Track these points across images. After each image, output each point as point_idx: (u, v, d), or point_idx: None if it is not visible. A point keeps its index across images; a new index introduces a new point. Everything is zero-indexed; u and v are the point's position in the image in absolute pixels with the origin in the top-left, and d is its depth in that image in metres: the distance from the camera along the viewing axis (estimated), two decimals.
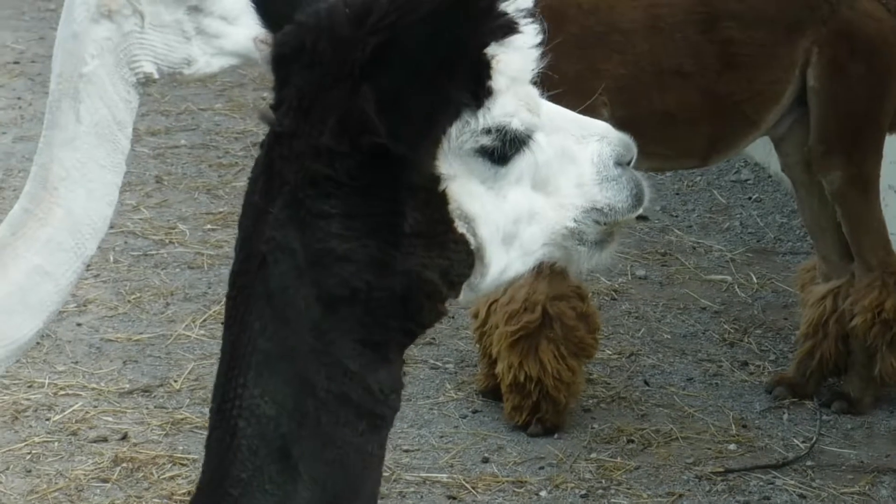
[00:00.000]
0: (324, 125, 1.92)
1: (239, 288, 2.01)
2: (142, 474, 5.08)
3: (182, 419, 5.39)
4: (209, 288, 6.19)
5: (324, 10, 2.01)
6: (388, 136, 1.87)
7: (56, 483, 5.12)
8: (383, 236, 1.95)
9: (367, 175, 1.93)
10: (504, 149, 2.01)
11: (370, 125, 1.87)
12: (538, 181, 2.12)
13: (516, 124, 2.00)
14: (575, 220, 2.14)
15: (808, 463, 5.28)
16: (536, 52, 2.05)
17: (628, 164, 2.16)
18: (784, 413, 5.58)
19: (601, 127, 2.19)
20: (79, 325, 5.88)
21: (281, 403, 1.97)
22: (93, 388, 5.54)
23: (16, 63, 8.69)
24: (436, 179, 1.97)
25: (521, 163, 2.06)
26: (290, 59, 2.01)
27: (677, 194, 7.26)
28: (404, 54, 1.90)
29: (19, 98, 8.07)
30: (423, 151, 1.94)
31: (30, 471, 5.19)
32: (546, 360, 5.25)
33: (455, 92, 1.92)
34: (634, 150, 2.20)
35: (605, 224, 2.18)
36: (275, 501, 1.96)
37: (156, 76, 3.25)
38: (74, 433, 5.31)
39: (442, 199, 1.99)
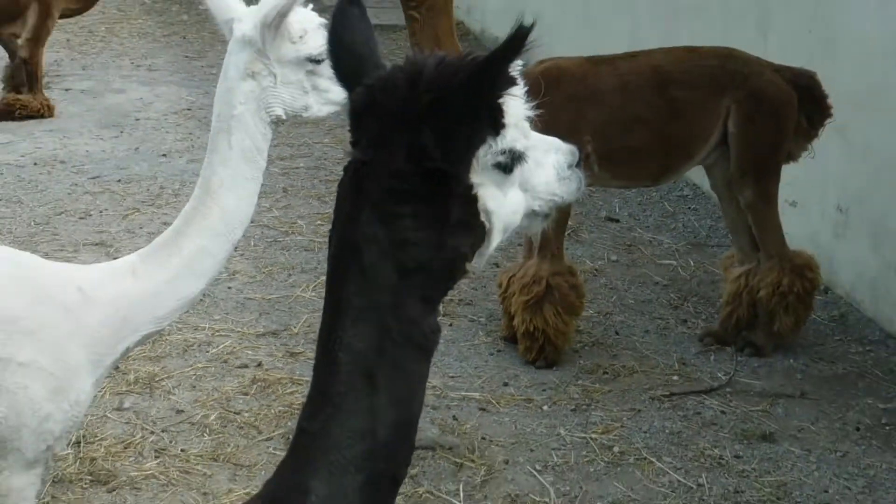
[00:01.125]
0: (397, 155, 1.93)
1: (337, 264, 2.02)
2: (271, 390, 5.18)
3: (299, 353, 5.50)
4: (318, 264, 6.12)
5: (385, 76, 2.03)
6: (441, 161, 1.92)
7: (212, 395, 5.11)
8: (438, 226, 1.97)
9: (426, 187, 1.95)
10: (511, 163, 2.05)
11: (429, 154, 1.91)
12: (523, 183, 2.12)
13: (519, 146, 2.04)
14: (539, 206, 2.19)
15: (728, 390, 5.38)
16: (528, 100, 2.07)
17: (576, 165, 2.17)
18: (711, 355, 5.71)
19: (557, 142, 2.20)
20: (229, 287, 6.02)
21: (368, 341, 1.96)
22: (238, 332, 5.68)
23: (188, 110, 8.64)
24: (470, 187, 2.00)
25: (518, 172, 2.08)
26: (362, 111, 2.01)
27: (639, 204, 7.26)
28: (448, 105, 1.91)
29: (190, 133, 8.06)
30: (463, 169, 1.97)
31: (194, 387, 5.22)
32: (548, 317, 5.41)
33: (482, 128, 1.96)
34: (578, 156, 2.20)
35: (552, 204, 2.21)
36: (363, 406, 1.96)
37: (283, 118, 3.30)
38: (225, 361, 5.43)
39: (473, 200, 2.02)
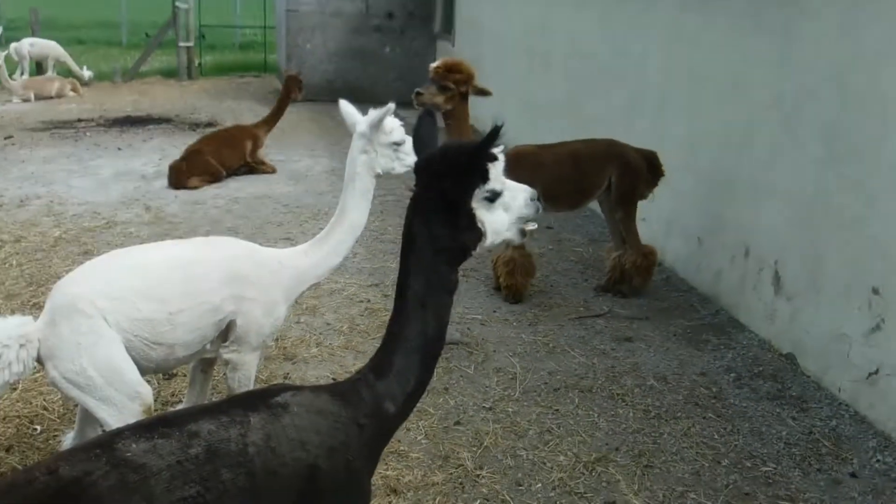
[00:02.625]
0: (434, 193, 1.94)
1: (404, 247, 1.99)
2: (375, 315, 5.11)
3: (389, 295, 5.24)
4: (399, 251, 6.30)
5: (430, 154, 2.02)
6: (453, 196, 1.95)
7: (345, 316, 5.03)
8: (453, 228, 1.97)
9: (447, 208, 1.95)
10: (493, 196, 2.01)
11: (448, 193, 1.93)
12: (505, 206, 2.05)
13: (498, 187, 2.01)
14: (516, 221, 2.09)
15: (608, 315, 5.33)
16: (503, 165, 2.02)
17: (536, 199, 2.09)
18: (602, 297, 5.64)
19: (524, 187, 2.10)
20: (353, 260, 5.93)
21: (422, 286, 1.95)
22: (357, 283, 5.62)
23: (332, 170, 8.66)
24: (471, 209, 1.98)
25: (500, 200, 2.03)
26: (421, 169, 2.00)
27: (564, 219, 7.21)
28: (458, 168, 1.93)
29: (334, 183, 8.05)
30: (466, 199, 1.97)
31: (336, 311, 5.11)
32: (517, 277, 5.40)
33: (475, 179, 1.96)
34: (536, 194, 2.11)
35: (521, 225, 2.12)
36: (420, 318, 1.96)
37: (381, 173, 3.20)
38: (351, 298, 5.34)
39: (473, 216, 1.99)
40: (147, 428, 1.71)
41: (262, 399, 1.87)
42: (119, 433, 1.70)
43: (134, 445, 1.64)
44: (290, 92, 8.90)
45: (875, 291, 4.12)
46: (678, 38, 6.22)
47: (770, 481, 3.55)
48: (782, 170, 4.92)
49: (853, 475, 3.63)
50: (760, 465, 3.68)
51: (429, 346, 2.02)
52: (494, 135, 1.93)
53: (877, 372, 4.07)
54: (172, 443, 1.67)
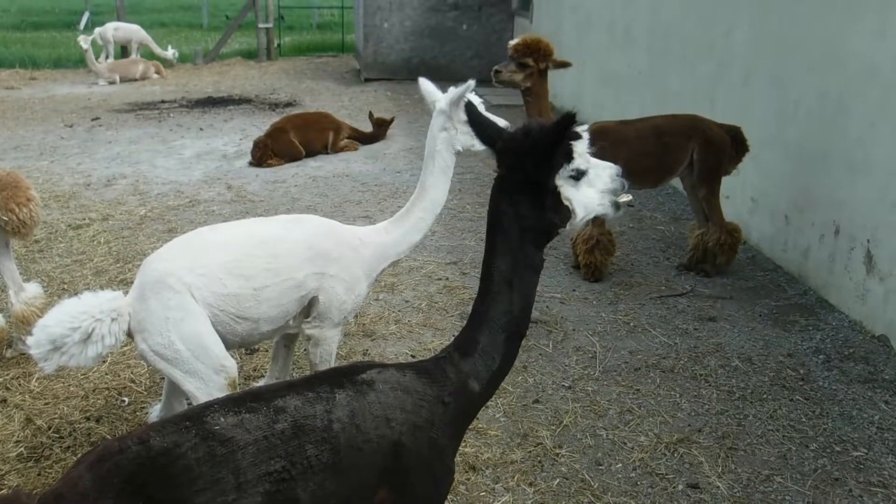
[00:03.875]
0: (519, 173, 1.93)
1: (491, 227, 1.98)
2: (453, 292, 5.12)
3: (467, 273, 5.40)
4: (477, 229, 6.14)
5: (512, 134, 1.99)
6: (537, 175, 1.93)
7: (423, 294, 5.06)
8: (539, 207, 1.95)
9: (533, 187, 1.94)
10: (578, 175, 1.99)
11: (538, 171, 1.93)
12: (591, 183, 2.03)
13: (583, 166, 1.99)
14: (602, 196, 2.05)
15: (691, 294, 5.22)
16: (587, 143, 2.00)
17: (620, 175, 2.07)
18: (682, 276, 5.52)
19: (609, 164, 2.08)
20: (431, 238, 5.94)
21: (508, 265, 1.95)
22: (436, 261, 5.62)
23: (410, 149, 8.70)
24: (556, 187, 1.97)
25: (584, 179, 2.00)
26: (504, 150, 1.97)
27: (646, 196, 7.08)
28: (540, 148, 1.90)
29: (411, 161, 8.11)
30: (552, 178, 1.95)
31: (414, 289, 5.14)
32: (597, 255, 5.33)
33: (561, 160, 1.94)
34: (620, 170, 2.10)
35: (613, 198, 2.08)
36: (506, 298, 1.95)
37: (461, 151, 3.17)
38: (429, 276, 5.36)
39: (558, 194, 1.97)
40: (236, 402, 1.75)
41: (347, 376, 1.90)
42: (209, 406, 1.75)
43: (222, 419, 1.69)
44: (378, 135, 9.31)
45: None
46: (767, 7, 5.97)
47: (861, 467, 3.43)
48: (878, 144, 4.69)
49: None
50: (851, 449, 3.55)
51: (514, 326, 2.01)
52: (571, 117, 1.91)
53: None
54: (260, 417, 1.71)
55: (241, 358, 4.24)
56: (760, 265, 5.78)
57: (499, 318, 1.99)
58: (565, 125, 1.91)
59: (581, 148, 2.00)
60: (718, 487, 3.27)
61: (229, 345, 3.00)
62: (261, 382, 3.72)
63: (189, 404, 3.08)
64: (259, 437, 1.69)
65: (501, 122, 3.31)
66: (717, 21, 6.75)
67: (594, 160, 2.06)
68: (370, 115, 9.56)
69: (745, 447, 3.56)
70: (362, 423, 1.81)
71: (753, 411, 3.85)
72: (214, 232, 3.12)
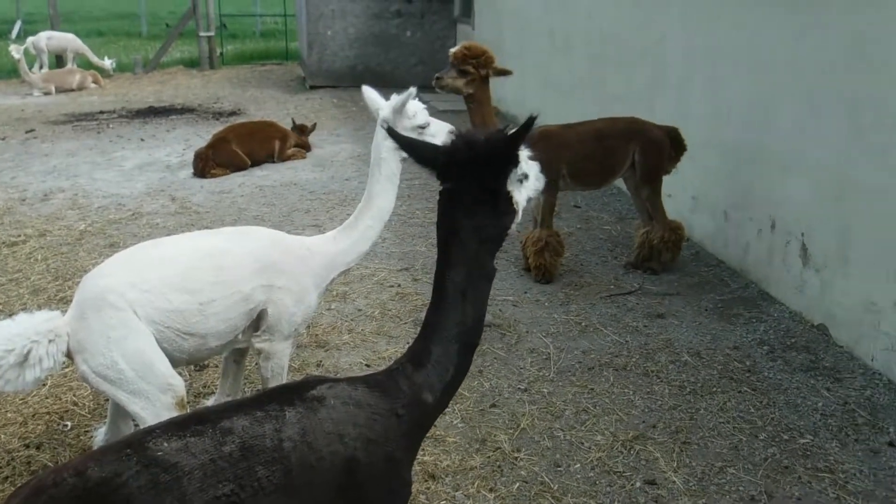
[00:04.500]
0: (473, 183, 1.88)
1: (446, 239, 1.93)
2: (406, 299, 5.05)
3: (419, 279, 5.34)
4: (426, 234, 6.05)
5: (454, 147, 1.92)
6: (501, 182, 1.91)
7: (376, 301, 4.97)
8: (496, 214, 1.92)
9: (489, 196, 1.90)
10: (524, 178, 1.96)
11: (489, 181, 1.89)
12: (526, 183, 1.99)
13: (528, 170, 1.97)
14: (533, 192, 2.02)
15: (639, 292, 5.25)
16: (530, 152, 1.98)
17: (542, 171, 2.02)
18: (632, 274, 5.54)
19: (535, 164, 2.03)
20: (382, 245, 5.85)
21: (463, 276, 1.91)
22: (387, 268, 5.54)
23: (358, 156, 8.58)
24: (509, 192, 1.94)
25: (525, 181, 1.98)
26: (454, 162, 1.91)
27: (591, 198, 7.13)
28: (496, 157, 1.88)
29: (359, 168, 8.00)
30: (505, 184, 1.92)
31: (366, 297, 5.02)
32: (546, 257, 5.31)
33: (512, 166, 1.91)
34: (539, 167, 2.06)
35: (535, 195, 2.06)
36: (459, 309, 1.91)
37: (406, 157, 2.98)
38: (381, 283, 5.28)
39: (510, 199, 1.95)
40: (179, 426, 1.66)
41: (297, 392, 1.82)
42: (151, 431, 1.66)
43: (166, 444, 1.60)
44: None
45: None
46: (698, 14, 6.07)
47: (808, 453, 3.48)
48: (806, 143, 4.80)
49: (891, 444, 3.55)
50: (798, 437, 3.61)
51: (467, 336, 1.97)
52: (530, 123, 1.87)
53: None
54: (205, 440, 1.62)
55: (189, 375, 4.09)
56: (704, 261, 5.85)
57: (452, 328, 1.93)
58: (527, 130, 1.88)
59: (524, 154, 1.98)
60: (675, 482, 3.26)
61: (176, 362, 2.87)
62: (211, 399, 3.59)
63: (136, 426, 2.93)
64: (205, 460, 1.60)
65: (447, 127, 3.28)
66: (651, 28, 6.84)
67: (531, 163, 2.05)
68: (293, 122, 9.38)
69: (698, 441, 3.58)
70: (314, 441, 1.73)
71: (704, 405, 3.88)
72: (157, 246, 3.00)
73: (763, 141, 5.26)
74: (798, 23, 4.85)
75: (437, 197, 1.97)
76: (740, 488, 3.24)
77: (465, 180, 1.91)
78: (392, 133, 2.10)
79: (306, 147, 9.09)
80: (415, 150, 2.03)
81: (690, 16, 6.18)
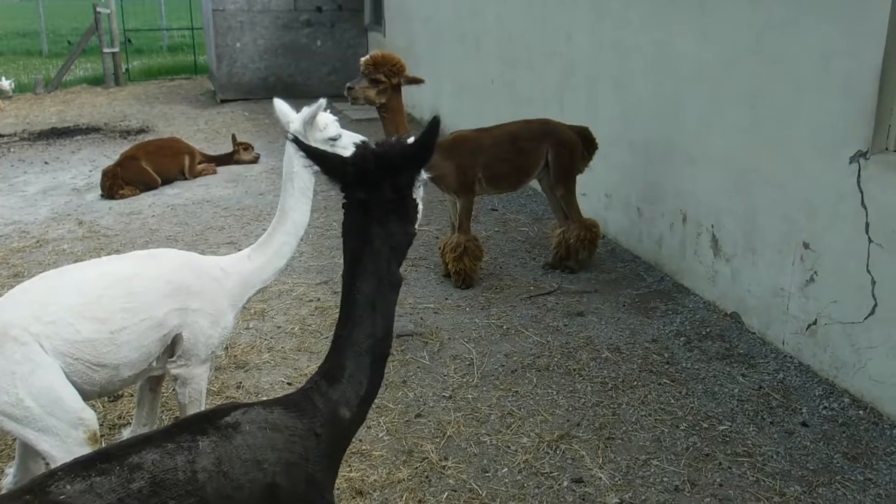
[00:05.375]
0: (386, 191, 1.86)
1: (356, 249, 1.89)
2: (326, 313, 4.93)
3: (339, 293, 5.37)
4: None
5: (361, 156, 1.89)
6: (409, 190, 1.89)
7: (296, 317, 4.88)
8: (406, 222, 1.92)
9: (400, 204, 1.89)
10: (422, 185, 1.95)
11: (402, 189, 1.88)
12: (422, 188, 1.97)
13: (425, 177, 1.94)
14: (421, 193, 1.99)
15: (558, 291, 5.30)
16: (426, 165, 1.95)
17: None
18: (549, 274, 5.59)
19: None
20: (300, 260, 5.75)
21: (373, 287, 1.88)
22: (306, 283, 5.44)
23: (272, 169, 8.41)
24: (415, 200, 1.94)
25: (423, 186, 1.97)
26: (364, 172, 1.87)
27: (507, 201, 7.21)
28: (406, 164, 1.87)
29: (274, 182, 7.85)
30: (412, 192, 1.92)
31: (286, 313, 4.94)
32: (465, 262, 5.31)
33: (416, 176, 1.90)
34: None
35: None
36: (369, 321, 1.89)
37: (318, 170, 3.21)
38: (300, 298, 5.18)
39: (416, 206, 1.95)
40: (84, 465, 1.57)
41: (210, 421, 1.75)
42: (52, 475, 1.55)
43: (69, 487, 1.50)
44: (236, 154, 9.02)
45: (806, 246, 4.23)
46: (603, 13, 6.21)
47: (727, 439, 3.59)
48: (712, 137, 4.98)
49: (804, 424, 3.69)
50: (717, 424, 3.71)
51: (379, 348, 1.95)
52: (436, 126, 1.88)
53: (815, 322, 4.18)
54: (112, 479, 1.54)
55: (103, 406, 3.93)
56: (620, 257, 5.97)
57: (363, 341, 1.91)
58: (435, 132, 1.87)
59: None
60: (601, 478, 3.32)
61: (88, 395, 2.75)
62: (126, 431, 3.45)
63: (47, 465, 2.79)
64: (113, 500, 1.51)
65: (359, 139, 3.26)
66: (558, 29, 6.96)
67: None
68: (233, 138, 9.22)
69: (621, 435, 3.64)
70: (230, 470, 1.67)
71: (626, 399, 3.95)
72: (62, 275, 2.87)
73: (671, 136, 5.42)
74: (702, 21, 5.02)
75: (343, 209, 1.95)
76: (664, 479, 3.32)
77: (376, 189, 1.88)
78: (299, 144, 2.06)
79: (254, 162, 9.02)
80: (322, 161, 1.96)
81: (597, 16, 6.31)
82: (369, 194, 1.88)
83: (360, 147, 1.93)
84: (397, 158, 1.87)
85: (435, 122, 1.88)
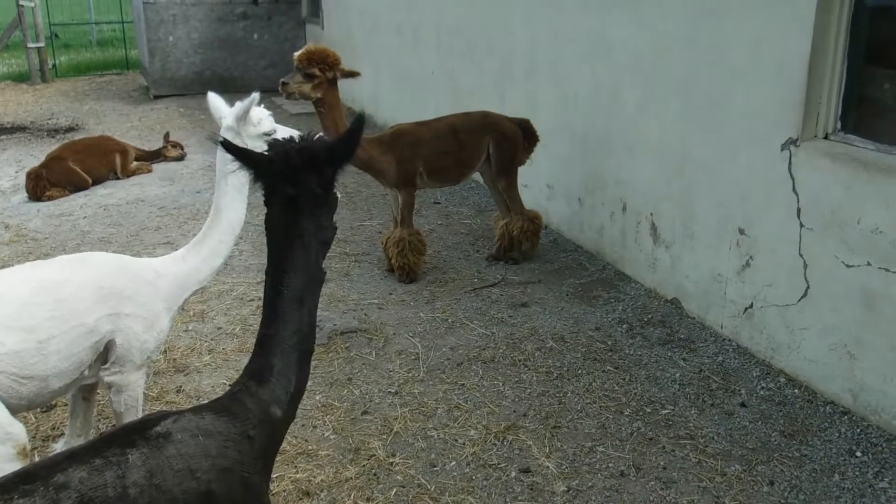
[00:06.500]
0: (312, 186, 1.86)
1: (285, 244, 1.89)
2: None
3: None
4: None
5: (284, 152, 1.88)
6: (333, 184, 1.92)
7: (236, 318, 4.78)
8: (330, 215, 1.95)
9: (327, 198, 1.90)
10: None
11: (329, 182, 1.89)
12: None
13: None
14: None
15: (502, 283, 5.31)
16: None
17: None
18: (492, 266, 5.61)
19: None
20: (239, 258, 5.62)
21: (301, 282, 1.88)
22: (247, 282, 5.33)
23: (209, 167, 8.21)
24: (336, 194, 1.97)
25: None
26: (293, 166, 1.86)
27: (450, 194, 7.18)
28: (334, 159, 1.89)
29: (210, 180, 7.67)
30: (333, 186, 1.93)
31: (226, 314, 4.82)
32: (408, 256, 5.28)
33: (340, 171, 1.91)
34: None
35: None
36: (296, 317, 1.88)
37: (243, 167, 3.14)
38: (241, 298, 5.08)
39: (336, 199, 1.98)
40: (4, 488, 1.49)
41: (139, 432, 1.69)
42: None
43: None
44: (164, 150, 8.82)
45: (741, 232, 4.33)
46: (541, 3, 6.23)
47: (670, 423, 3.67)
48: (648, 125, 5.05)
49: (743, 405, 3.79)
50: (660, 409, 3.79)
51: (304, 343, 1.94)
52: (361, 121, 1.90)
53: (751, 306, 4.29)
54: (37, 500, 1.47)
55: (35, 418, 3.79)
56: (562, 247, 6.01)
57: (290, 337, 1.89)
58: (361, 126, 1.89)
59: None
60: (548, 467, 3.35)
61: (15, 409, 2.64)
62: (60, 443, 3.33)
63: None
64: None
65: (295, 133, 3.21)
66: (496, 20, 6.96)
67: None
68: (166, 135, 9.00)
69: (567, 424, 3.68)
70: (163, 482, 1.62)
71: (571, 388, 3.99)
72: None
73: (609, 126, 5.48)
74: (635, 9, 5.07)
75: (267, 205, 1.92)
76: (610, 465, 3.37)
77: (304, 184, 1.87)
78: (224, 143, 2.01)
79: (180, 159, 8.82)
80: (247, 159, 1.94)
81: (534, 5, 6.33)
82: (298, 189, 1.87)
83: (279, 143, 1.91)
84: (322, 153, 1.87)
85: (360, 119, 1.90)
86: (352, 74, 5.05)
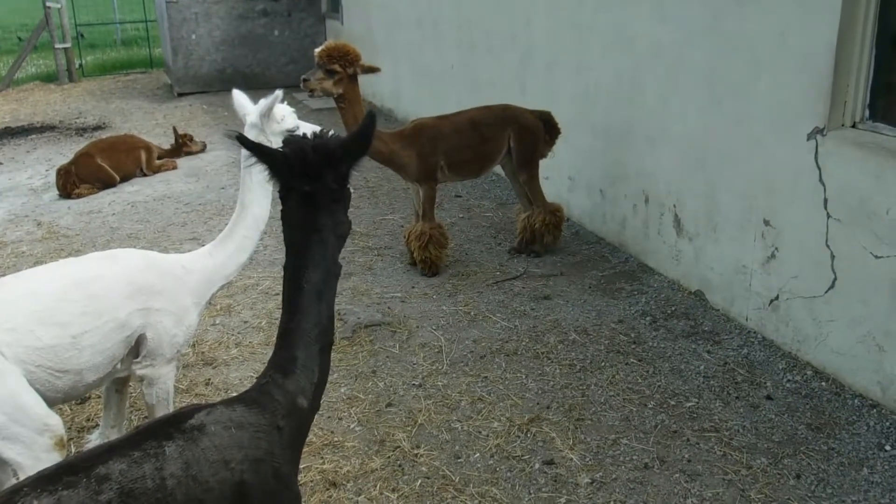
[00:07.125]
0: (330, 182, 1.88)
1: (304, 240, 1.90)
2: None
3: None
4: None
5: (298, 149, 1.89)
6: (347, 181, 1.93)
7: (262, 311, 4.83)
8: (345, 210, 1.96)
9: (343, 193, 1.92)
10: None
11: (345, 178, 1.91)
12: None
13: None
14: None
15: (525, 276, 5.31)
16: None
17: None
18: (514, 259, 5.61)
19: None
20: (264, 252, 5.68)
21: (321, 277, 1.90)
22: (272, 276, 5.35)
23: (232, 163, 8.28)
24: (349, 190, 1.97)
25: None
26: (309, 163, 1.88)
27: (471, 187, 7.18)
28: (347, 155, 1.89)
29: (234, 176, 7.74)
30: (348, 181, 1.94)
31: (252, 308, 4.87)
32: (431, 250, 5.29)
33: (355, 167, 1.92)
34: None
35: None
36: (316, 310, 1.90)
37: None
38: (266, 293, 5.12)
39: (350, 196, 1.99)
40: (49, 479, 1.53)
41: (174, 425, 1.73)
42: (18, 490, 1.51)
43: (35, 502, 1.46)
44: (185, 147, 8.92)
45: (766, 223, 4.29)
46: None
47: (694, 416, 3.65)
48: (671, 116, 5.02)
49: (769, 398, 3.76)
50: (684, 401, 3.77)
51: (325, 336, 1.96)
52: (373, 119, 1.93)
53: (777, 298, 4.25)
54: (80, 492, 1.50)
55: (70, 410, 3.86)
56: (584, 239, 6.00)
57: (311, 330, 1.91)
58: (373, 124, 1.92)
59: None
60: (572, 459, 3.35)
61: (52, 402, 2.70)
62: (95, 434, 3.41)
63: (16, 474, 2.75)
64: None
65: (317, 129, 3.23)
66: (516, 12, 6.94)
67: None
68: (175, 131, 9.07)
69: (591, 416, 3.68)
70: (199, 473, 1.66)
71: (594, 380, 3.99)
72: (19, 279, 2.82)
73: (631, 117, 5.45)
74: (652, 3, 5.04)
75: (283, 201, 1.94)
76: (634, 457, 3.36)
77: (321, 180, 1.89)
78: (241, 139, 2.04)
79: (203, 151, 8.91)
80: (263, 154, 1.95)
81: None
82: (315, 185, 1.89)
83: (295, 140, 1.94)
84: (337, 149, 1.89)
85: (371, 115, 1.93)
86: (372, 70, 5.07)
